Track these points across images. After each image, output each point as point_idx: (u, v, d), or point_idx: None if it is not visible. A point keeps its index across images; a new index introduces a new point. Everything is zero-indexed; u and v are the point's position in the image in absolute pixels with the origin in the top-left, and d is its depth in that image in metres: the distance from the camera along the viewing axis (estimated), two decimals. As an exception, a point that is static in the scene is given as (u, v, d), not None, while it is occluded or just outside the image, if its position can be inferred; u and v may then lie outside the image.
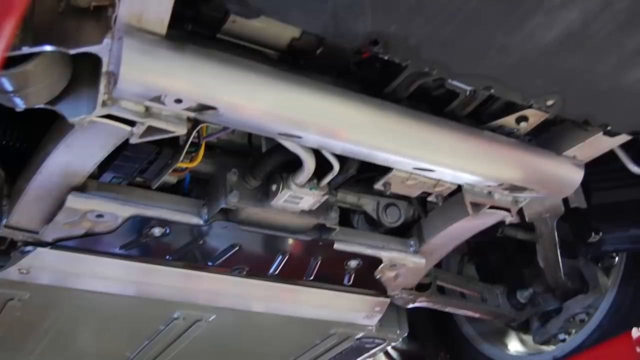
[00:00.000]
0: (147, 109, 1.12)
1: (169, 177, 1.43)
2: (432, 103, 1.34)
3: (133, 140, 1.16)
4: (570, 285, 1.98)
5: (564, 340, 2.06)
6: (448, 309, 2.05)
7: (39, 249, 1.40)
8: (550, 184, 1.46)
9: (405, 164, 1.33)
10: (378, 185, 1.45)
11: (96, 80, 1.06)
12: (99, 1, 1.01)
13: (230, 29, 1.17)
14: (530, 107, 1.23)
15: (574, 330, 2.05)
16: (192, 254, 1.52)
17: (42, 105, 1.10)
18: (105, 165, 1.34)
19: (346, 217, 1.71)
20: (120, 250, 1.47)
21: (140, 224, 1.42)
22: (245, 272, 1.60)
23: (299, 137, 1.23)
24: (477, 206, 1.46)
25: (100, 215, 1.37)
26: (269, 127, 1.20)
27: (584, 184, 1.50)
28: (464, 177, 1.40)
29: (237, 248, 1.53)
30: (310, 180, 1.39)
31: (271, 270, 1.61)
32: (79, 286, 1.51)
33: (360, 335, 1.89)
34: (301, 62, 1.24)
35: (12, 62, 0.99)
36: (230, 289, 1.63)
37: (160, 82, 1.05)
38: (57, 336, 1.70)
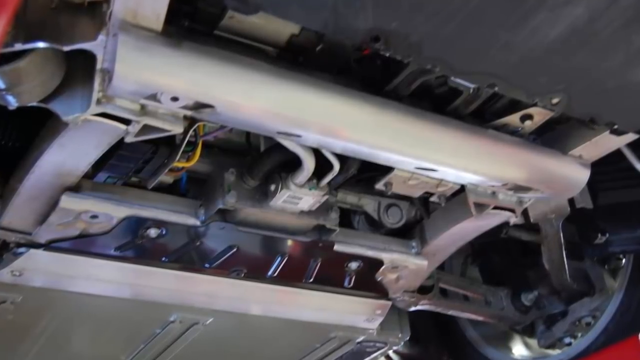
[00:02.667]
0: (143, 107, 1.10)
1: (165, 177, 1.42)
2: (435, 101, 1.33)
3: (128, 139, 1.15)
4: (576, 288, 1.96)
5: (569, 344, 2.05)
6: (451, 312, 2.03)
7: (32, 251, 1.39)
8: (555, 184, 1.45)
9: (407, 163, 1.32)
10: (379, 185, 1.44)
11: (90, 77, 1.05)
12: (93, -4, 0.99)
13: (228, 26, 1.16)
14: (535, 105, 1.23)
15: (579, 334, 2.04)
16: (188, 255, 1.50)
17: (35, 104, 1.09)
18: (99, 164, 1.33)
19: (346, 218, 1.70)
20: (115, 252, 1.45)
21: (136, 224, 1.40)
22: (243, 274, 1.58)
23: (299, 136, 1.22)
24: (480, 207, 1.45)
25: (94, 216, 1.35)
26: (268, 125, 1.19)
27: (590, 183, 1.49)
28: (467, 177, 1.39)
29: (235, 249, 1.52)
30: (309, 180, 1.38)
31: (270, 272, 1.60)
32: (73, 288, 1.49)
33: (361, 338, 1.88)
34: (300, 59, 1.23)
35: (4, 59, 0.98)
36: (228, 291, 1.61)
37: (156, 79, 1.04)
38: (51, 340, 1.69)
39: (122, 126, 1.11)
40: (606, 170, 1.56)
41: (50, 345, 1.72)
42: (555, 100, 1.18)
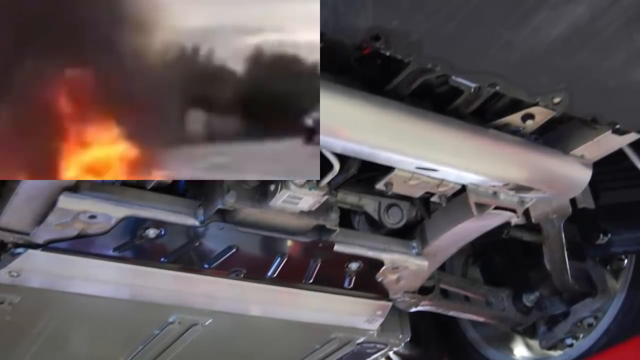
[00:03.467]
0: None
1: (165, 177, 1.40)
2: (435, 101, 1.32)
3: (126, 139, 1.13)
4: (577, 289, 1.95)
5: (571, 345, 2.04)
6: (452, 313, 2.02)
7: (30, 251, 1.37)
8: (557, 184, 1.44)
9: (408, 163, 1.31)
10: (379, 185, 1.43)
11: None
12: None
13: (227, 24, 1.14)
14: (536, 104, 1.22)
15: (581, 335, 2.03)
16: (187, 256, 1.49)
17: (32, 103, 1.07)
18: (98, 164, 1.31)
19: (347, 218, 1.69)
20: (114, 252, 1.44)
21: (135, 225, 1.39)
22: (242, 275, 1.57)
23: (298, 136, 1.20)
24: (481, 207, 1.44)
25: (93, 216, 1.34)
26: (267, 125, 1.18)
27: (592, 183, 1.48)
28: (468, 177, 1.38)
29: (234, 250, 1.51)
30: (309, 180, 1.37)
31: (269, 273, 1.58)
32: (71, 289, 1.48)
33: (361, 340, 1.87)
34: (300, 58, 1.22)
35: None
36: (227, 292, 1.60)
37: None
38: (49, 341, 1.67)
39: (121, 125, 1.10)
40: (608, 170, 1.55)
41: (49, 346, 1.70)
42: (556, 100, 1.17)
